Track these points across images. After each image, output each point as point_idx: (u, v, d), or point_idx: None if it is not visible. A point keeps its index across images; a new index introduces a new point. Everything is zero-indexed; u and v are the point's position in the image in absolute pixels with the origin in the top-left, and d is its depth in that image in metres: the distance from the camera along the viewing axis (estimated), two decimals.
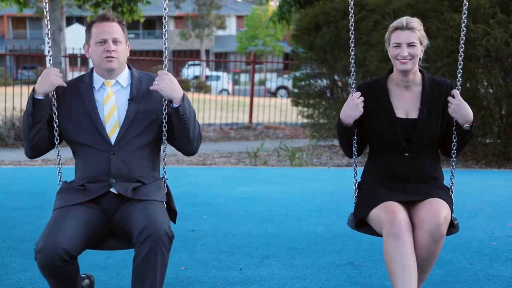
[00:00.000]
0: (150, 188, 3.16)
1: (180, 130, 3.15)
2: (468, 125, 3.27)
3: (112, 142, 3.14)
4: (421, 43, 3.30)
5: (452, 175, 3.45)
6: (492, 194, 6.80)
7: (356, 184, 3.49)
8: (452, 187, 3.44)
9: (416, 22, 3.30)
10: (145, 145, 3.19)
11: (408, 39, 3.26)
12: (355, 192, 3.48)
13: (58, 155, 3.28)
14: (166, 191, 3.26)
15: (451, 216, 3.24)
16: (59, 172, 3.31)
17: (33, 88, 3.13)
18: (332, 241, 4.88)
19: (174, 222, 3.29)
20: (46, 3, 3.29)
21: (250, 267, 4.27)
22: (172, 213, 3.27)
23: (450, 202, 3.29)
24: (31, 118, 3.11)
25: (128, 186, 3.12)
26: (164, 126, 3.17)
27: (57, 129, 3.18)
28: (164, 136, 3.19)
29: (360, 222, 3.35)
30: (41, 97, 3.09)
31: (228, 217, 5.70)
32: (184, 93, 3.13)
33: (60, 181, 3.29)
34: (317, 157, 9.93)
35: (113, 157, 3.12)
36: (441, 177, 3.41)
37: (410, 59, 3.26)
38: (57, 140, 3.21)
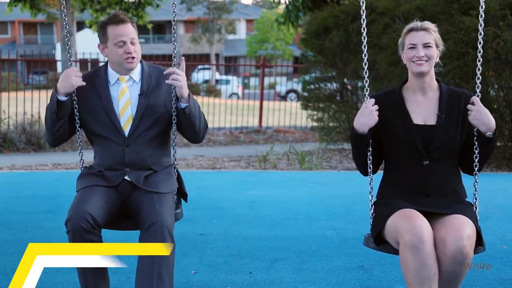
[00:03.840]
0: (160, 176, 3.37)
1: (187, 125, 3.36)
2: (490, 133, 3.11)
3: (126, 135, 3.35)
4: (436, 46, 3.20)
5: (476, 190, 3.24)
6: (503, 197, 6.77)
7: (372, 202, 3.28)
8: (476, 203, 3.23)
9: (431, 24, 3.23)
10: (156, 135, 3.40)
11: (424, 40, 3.16)
12: (371, 209, 3.26)
13: (79, 144, 3.53)
14: (176, 175, 3.48)
15: (478, 232, 3.01)
16: (81, 159, 3.52)
17: (55, 87, 3.30)
18: (342, 245, 4.87)
19: (186, 201, 3.57)
20: (64, 7, 3.54)
21: (259, 270, 4.27)
22: (183, 195, 3.54)
23: (474, 219, 3.06)
24: (54, 116, 3.30)
25: (141, 174, 3.35)
26: (173, 118, 3.36)
27: (78, 121, 3.39)
28: (174, 126, 3.38)
29: (379, 239, 3.13)
30: (64, 99, 3.28)
31: (238, 220, 5.70)
32: (189, 91, 3.31)
33: (82, 166, 3.50)
34: (327, 160, 9.92)
35: (127, 149, 3.35)
36: (462, 192, 3.22)
37: (426, 60, 3.15)
38: (78, 131, 3.42)
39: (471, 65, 8.20)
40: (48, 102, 3.36)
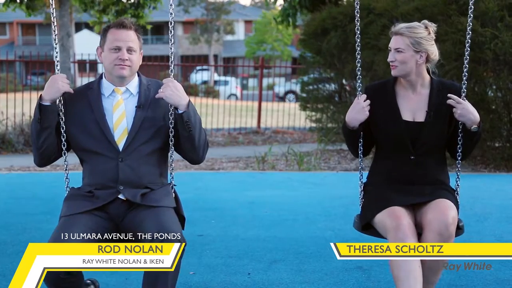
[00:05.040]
0: (158, 194, 3.17)
1: (185, 137, 3.17)
2: (476, 126, 3.25)
3: (120, 149, 3.15)
4: (416, 50, 3.24)
5: (458, 177, 3.44)
6: (501, 198, 6.78)
7: (362, 186, 3.47)
8: (458, 189, 3.43)
9: (408, 28, 3.25)
10: (153, 151, 3.21)
11: (395, 44, 3.28)
12: (360, 194, 3.46)
13: (65, 161, 3.30)
14: (174, 196, 3.27)
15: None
16: (66, 178, 3.32)
17: (40, 95, 3.14)
18: None
19: (183, 228, 3.27)
20: (53, 9, 3.31)
21: (258, 271, 4.27)
22: (180, 219, 3.26)
23: (456, 204, 3.29)
24: (38, 125, 3.11)
25: (137, 192, 3.13)
26: (171, 131, 3.19)
27: (64, 135, 3.20)
28: (171, 141, 3.21)
29: (366, 224, 3.34)
30: (47, 103, 3.11)
31: (236, 221, 5.70)
32: (189, 100, 3.15)
33: (68, 187, 3.30)
34: (325, 161, 9.93)
35: (121, 164, 3.14)
36: (447, 180, 3.40)
37: (397, 65, 3.26)
38: (64, 146, 3.22)
39: (469, 66, 8.20)
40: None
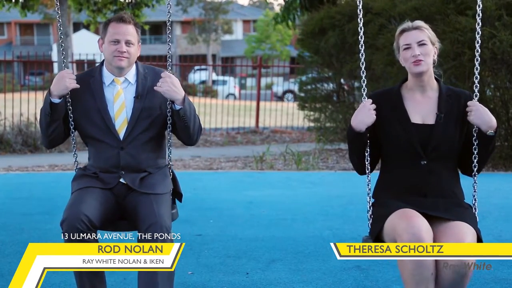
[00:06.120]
0: (156, 178, 3.38)
1: (181, 127, 3.36)
2: (492, 131, 3.07)
3: (121, 138, 3.35)
4: (432, 44, 3.15)
5: (475, 191, 3.20)
6: (499, 197, 6.78)
7: (370, 203, 3.20)
8: (476, 204, 3.20)
9: (422, 22, 3.19)
10: (150, 138, 3.40)
11: (417, 38, 3.11)
12: (369, 210, 3.19)
13: (74, 145, 3.52)
14: (171, 176, 3.49)
15: (478, 235, 2.99)
16: (75, 161, 3.52)
17: (49, 90, 3.30)
18: None
19: (180, 201, 3.56)
20: (58, 10, 3.50)
21: (256, 271, 4.27)
22: (178, 195, 3.54)
23: (474, 222, 3.05)
24: (48, 118, 3.30)
25: (136, 176, 3.35)
26: (168, 119, 3.37)
27: (72, 123, 3.38)
28: (169, 128, 3.39)
29: (378, 241, 3.02)
30: (57, 101, 3.28)
31: (235, 221, 5.70)
32: (185, 95, 3.32)
33: (76, 168, 3.51)
34: (324, 160, 9.93)
35: (122, 152, 3.35)
36: (461, 193, 3.19)
37: (423, 59, 3.09)
38: (72, 133, 3.43)
39: (467, 65, 8.22)
40: (42, 104, 3.35)
